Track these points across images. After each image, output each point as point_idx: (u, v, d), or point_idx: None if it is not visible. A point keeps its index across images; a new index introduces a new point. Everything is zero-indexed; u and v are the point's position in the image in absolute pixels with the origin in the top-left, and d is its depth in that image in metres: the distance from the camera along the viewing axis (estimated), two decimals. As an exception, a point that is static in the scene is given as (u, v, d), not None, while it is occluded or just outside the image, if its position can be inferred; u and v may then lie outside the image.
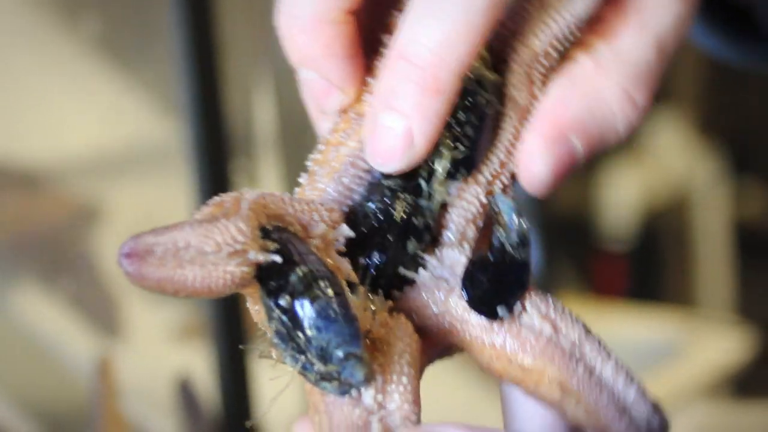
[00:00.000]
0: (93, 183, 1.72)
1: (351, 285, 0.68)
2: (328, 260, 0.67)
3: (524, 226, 0.69)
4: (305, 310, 0.63)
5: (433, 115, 0.68)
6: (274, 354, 0.65)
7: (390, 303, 0.69)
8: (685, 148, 3.61)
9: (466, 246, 0.70)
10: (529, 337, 0.68)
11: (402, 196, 0.70)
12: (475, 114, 0.71)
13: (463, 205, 0.71)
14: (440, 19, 0.67)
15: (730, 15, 0.95)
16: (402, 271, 0.70)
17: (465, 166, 0.71)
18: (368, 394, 0.64)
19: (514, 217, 0.69)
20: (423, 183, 0.70)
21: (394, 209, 0.70)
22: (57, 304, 1.64)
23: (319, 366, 0.63)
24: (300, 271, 0.64)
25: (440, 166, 0.71)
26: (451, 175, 0.71)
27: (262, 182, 1.75)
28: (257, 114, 1.78)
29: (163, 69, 1.64)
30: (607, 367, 0.69)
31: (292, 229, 0.66)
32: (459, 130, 0.70)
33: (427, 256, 0.71)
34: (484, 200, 0.71)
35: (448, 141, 0.70)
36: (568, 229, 3.50)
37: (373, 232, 0.70)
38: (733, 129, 3.79)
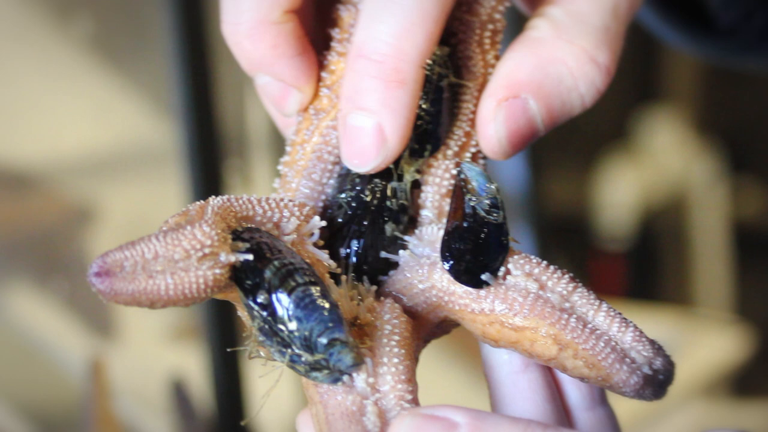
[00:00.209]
0: (86, 184, 1.71)
1: (334, 275, 0.69)
2: (305, 254, 0.68)
3: (494, 188, 0.69)
4: (283, 302, 0.63)
5: (400, 108, 0.68)
6: (262, 352, 0.66)
7: (375, 288, 0.70)
8: (683, 147, 3.61)
9: (445, 221, 0.71)
10: (517, 297, 0.68)
11: (372, 181, 0.71)
12: (430, 88, 0.71)
13: (436, 181, 0.72)
14: (394, 12, 0.68)
15: (687, 10, 0.97)
16: (384, 254, 0.71)
17: (430, 142, 0.71)
18: (360, 379, 0.65)
19: (484, 182, 0.69)
20: (390, 165, 0.71)
21: (365, 195, 0.71)
22: (50, 304, 1.64)
23: (306, 356, 0.63)
24: (273, 266, 0.64)
25: None
26: (417, 153, 0.71)
27: (255, 182, 1.75)
28: (250, 115, 1.78)
29: (156, 70, 1.64)
30: (600, 315, 0.68)
31: (265, 229, 0.67)
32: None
33: (407, 237, 0.71)
34: (455, 172, 0.72)
35: None
36: (566, 228, 3.50)
37: (349, 221, 0.71)
38: (730, 128, 3.78)
